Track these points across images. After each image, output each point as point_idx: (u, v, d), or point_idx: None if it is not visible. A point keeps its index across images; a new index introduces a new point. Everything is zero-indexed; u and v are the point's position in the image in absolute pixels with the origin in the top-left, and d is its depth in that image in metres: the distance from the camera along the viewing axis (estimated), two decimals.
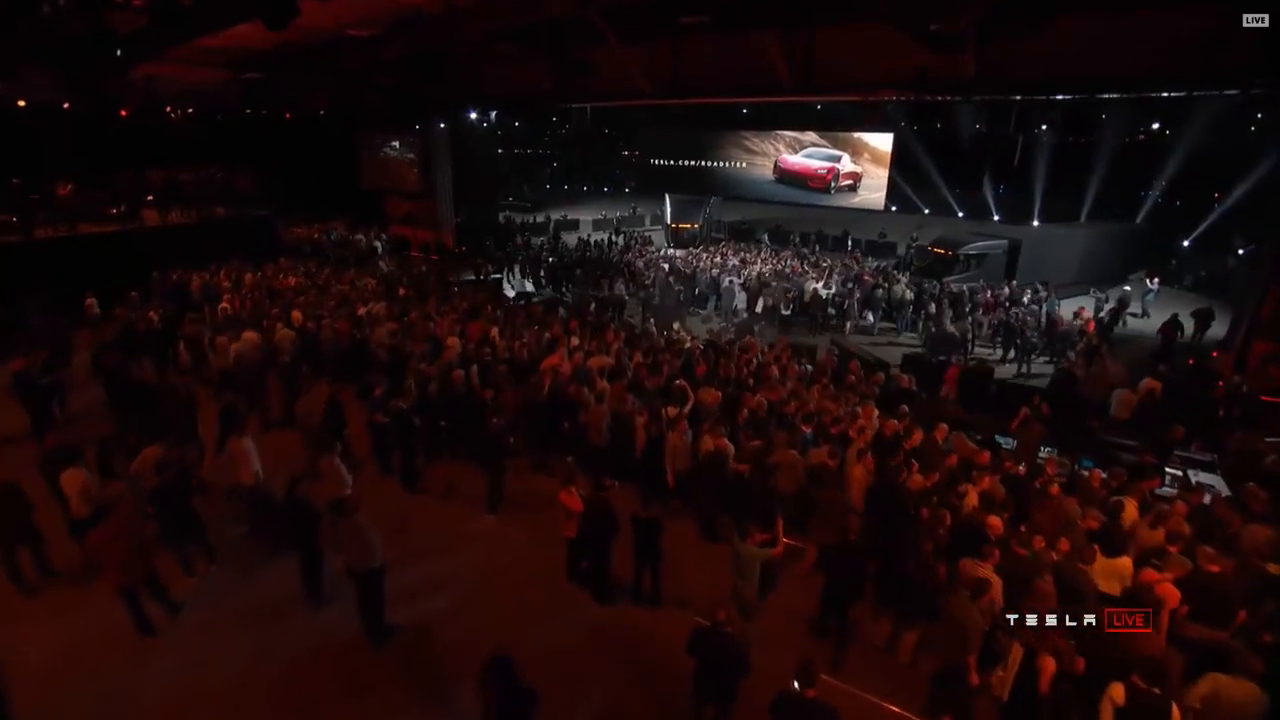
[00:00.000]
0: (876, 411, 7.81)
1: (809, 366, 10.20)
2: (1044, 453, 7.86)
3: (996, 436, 8.39)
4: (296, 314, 12.20)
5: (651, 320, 12.41)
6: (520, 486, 7.99)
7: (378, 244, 23.86)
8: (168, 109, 19.96)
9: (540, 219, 31.62)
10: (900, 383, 9.37)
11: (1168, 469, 7.47)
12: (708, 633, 4.54)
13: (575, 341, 10.57)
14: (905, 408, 8.26)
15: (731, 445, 6.87)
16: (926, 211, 33.16)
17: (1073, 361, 12.32)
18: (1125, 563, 5.21)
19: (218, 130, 21.90)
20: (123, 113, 18.44)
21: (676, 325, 12.49)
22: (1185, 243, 26.96)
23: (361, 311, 12.28)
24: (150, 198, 19.44)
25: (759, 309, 15.77)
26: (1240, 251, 26.32)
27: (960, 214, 33.82)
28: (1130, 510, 5.96)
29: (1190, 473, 7.42)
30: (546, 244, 24.19)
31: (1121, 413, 10.98)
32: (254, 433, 9.21)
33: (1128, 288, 16.91)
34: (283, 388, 9.37)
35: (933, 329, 14.65)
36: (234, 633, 5.85)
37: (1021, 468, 6.90)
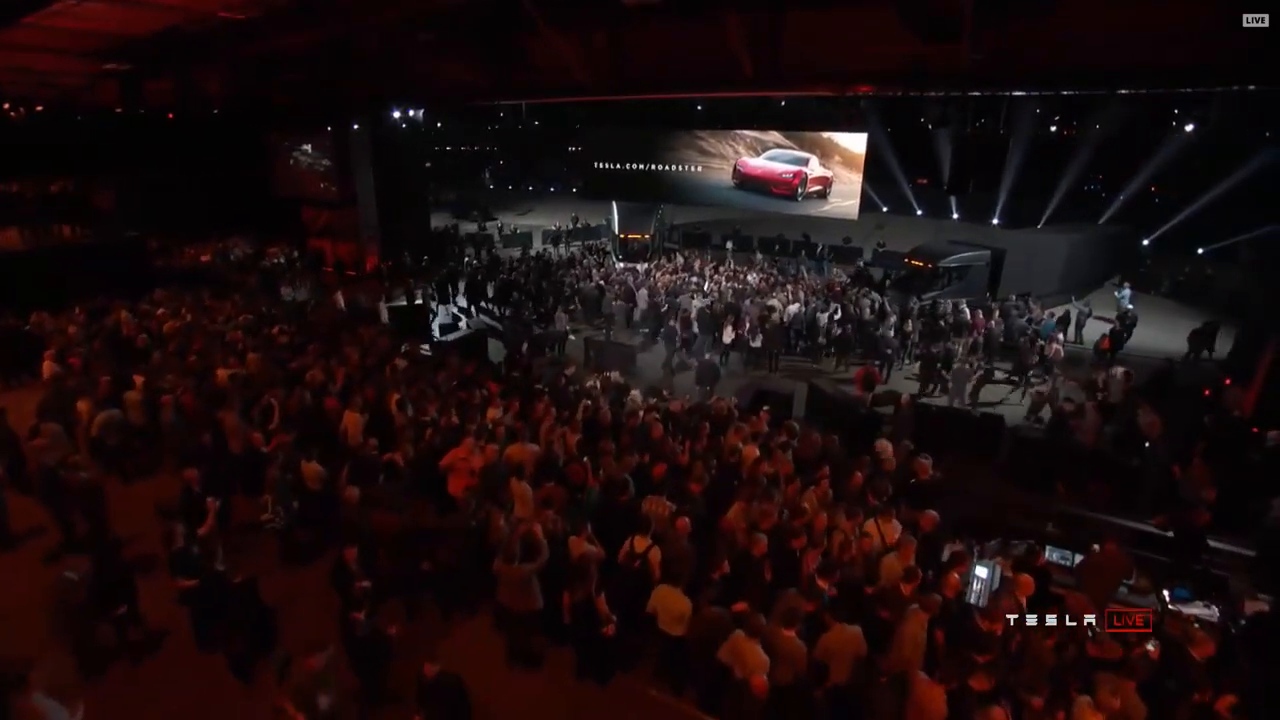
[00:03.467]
0: (913, 544, 5.55)
1: (793, 443, 7.88)
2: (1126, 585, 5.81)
3: (1049, 547, 6.38)
4: (139, 379, 9.37)
5: (597, 379, 9.88)
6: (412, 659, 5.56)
7: (281, 259, 20.79)
8: (5, 105, 16.42)
9: (488, 226, 28.97)
10: (918, 472, 6.97)
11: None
12: None
13: (494, 414, 8.13)
14: (935, 515, 6.11)
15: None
16: (885, 209, 31.85)
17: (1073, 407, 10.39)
18: None
19: (77, 132, 18.27)
20: None
21: (613, 377, 10.21)
22: (1145, 242, 26.19)
23: (223, 376, 9.43)
24: None
25: (726, 340, 13.58)
26: (1200, 251, 25.70)
27: (919, 212, 32.62)
28: None
29: None
30: (483, 259, 21.52)
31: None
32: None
33: (1130, 306, 15.41)
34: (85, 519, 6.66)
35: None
36: None
37: (1153, 648, 4.63)
